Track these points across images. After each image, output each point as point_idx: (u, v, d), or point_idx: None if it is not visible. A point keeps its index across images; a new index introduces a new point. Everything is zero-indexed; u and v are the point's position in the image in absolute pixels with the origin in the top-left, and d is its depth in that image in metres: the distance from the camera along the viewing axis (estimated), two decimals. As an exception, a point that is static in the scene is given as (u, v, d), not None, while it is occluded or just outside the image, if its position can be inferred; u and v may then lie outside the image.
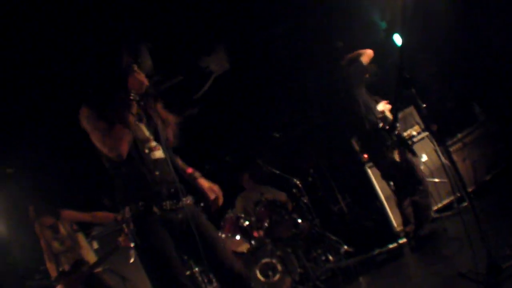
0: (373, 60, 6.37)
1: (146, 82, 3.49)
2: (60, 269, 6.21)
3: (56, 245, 6.43)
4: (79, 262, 6.20)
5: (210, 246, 3.52)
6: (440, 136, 5.75)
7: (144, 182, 3.47)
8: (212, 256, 3.50)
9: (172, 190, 3.53)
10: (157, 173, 3.50)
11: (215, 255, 3.53)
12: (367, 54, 6.23)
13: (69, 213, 6.62)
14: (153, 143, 3.62)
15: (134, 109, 3.46)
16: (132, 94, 3.44)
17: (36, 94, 6.55)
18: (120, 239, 6.04)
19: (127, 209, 3.40)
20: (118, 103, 3.44)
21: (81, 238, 6.65)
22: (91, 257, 6.43)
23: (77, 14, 5.67)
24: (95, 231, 7.09)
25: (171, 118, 3.85)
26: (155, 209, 3.43)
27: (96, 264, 6.25)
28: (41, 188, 6.97)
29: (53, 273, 6.36)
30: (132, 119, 3.42)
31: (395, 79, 4.10)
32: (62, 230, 6.45)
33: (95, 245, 6.79)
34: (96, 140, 3.39)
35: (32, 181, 6.96)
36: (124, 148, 3.36)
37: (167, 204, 3.49)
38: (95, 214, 6.49)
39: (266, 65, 8.70)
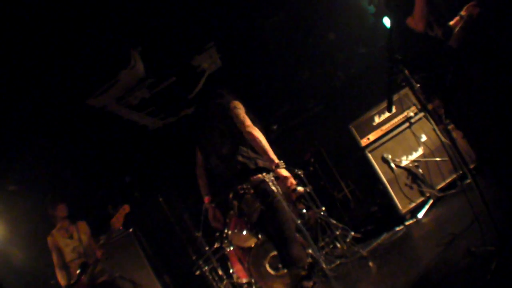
0: (364, 45, 6.33)
1: None
2: (72, 281, 6.28)
3: (68, 251, 6.53)
4: (85, 265, 6.28)
5: None
6: (438, 115, 5.71)
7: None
8: None
9: None
10: None
11: None
12: None
13: (84, 226, 6.70)
14: None
15: None
16: None
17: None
18: (112, 221, 6.14)
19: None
20: None
21: (95, 247, 6.68)
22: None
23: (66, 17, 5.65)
24: (101, 239, 7.13)
25: None
26: None
27: (98, 258, 6.32)
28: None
29: (62, 281, 6.41)
30: None
31: (387, 62, 4.06)
32: (76, 236, 6.59)
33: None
34: (247, 122, 4.99)
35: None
36: None
37: None
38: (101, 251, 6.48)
39: (258, 59, 8.69)
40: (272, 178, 4.96)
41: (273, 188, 4.91)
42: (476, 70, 4.21)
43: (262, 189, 4.97)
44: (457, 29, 4.17)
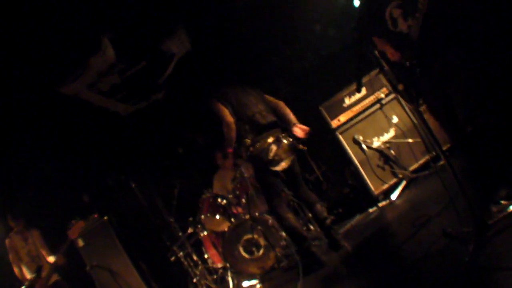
0: (335, 27, 6.31)
1: None
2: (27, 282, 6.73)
3: (23, 254, 7.15)
4: (40, 269, 6.72)
5: None
6: (409, 96, 5.70)
7: None
8: None
9: None
10: None
11: None
12: None
13: (37, 233, 7.34)
14: None
15: None
16: None
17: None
18: (69, 232, 6.36)
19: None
20: None
21: (44, 253, 7.25)
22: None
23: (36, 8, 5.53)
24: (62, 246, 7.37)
25: None
26: None
27: (53, 266, 6.78)
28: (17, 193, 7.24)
29: (20, 276, 7.10)
30: None
31: (356, 43, 4.04)
32: (30, 241, 7.22)
33: (81, 242, 7.24)
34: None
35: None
36: None
37: None
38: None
39: (227, 41, 8.62)
40: None
41: None
42: (438, 58, 4.23)
43: (294, 144, 5.89)
44: (413, 20, 4.12)
